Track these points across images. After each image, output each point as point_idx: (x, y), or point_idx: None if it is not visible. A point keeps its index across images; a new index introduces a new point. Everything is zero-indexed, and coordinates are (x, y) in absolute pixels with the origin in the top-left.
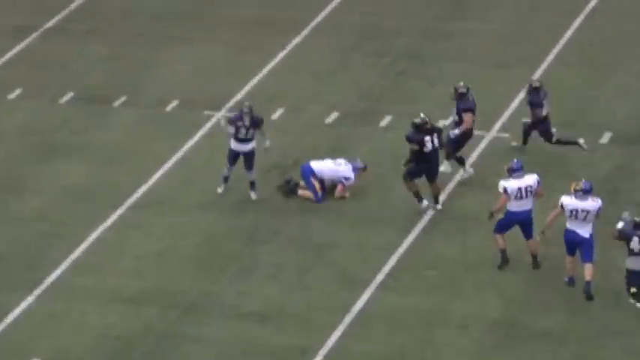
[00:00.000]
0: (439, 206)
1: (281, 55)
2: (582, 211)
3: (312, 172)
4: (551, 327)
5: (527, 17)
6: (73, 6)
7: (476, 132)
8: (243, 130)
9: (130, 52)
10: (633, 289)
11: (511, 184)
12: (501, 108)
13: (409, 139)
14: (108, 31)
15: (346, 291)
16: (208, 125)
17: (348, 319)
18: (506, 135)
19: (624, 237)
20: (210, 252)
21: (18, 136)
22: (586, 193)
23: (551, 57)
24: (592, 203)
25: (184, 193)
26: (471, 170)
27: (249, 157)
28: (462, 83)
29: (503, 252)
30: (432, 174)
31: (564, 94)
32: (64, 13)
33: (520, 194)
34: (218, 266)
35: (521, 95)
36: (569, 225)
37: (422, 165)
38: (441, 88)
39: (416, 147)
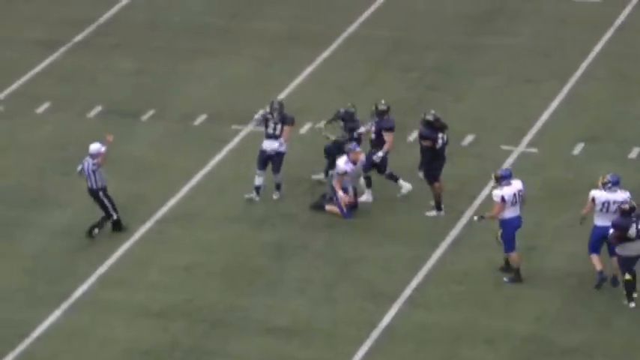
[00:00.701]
0: (440, 211)
1: (308, 69)
2: (614, 202)
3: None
4: (579, 343)
5: (556, 31)
6: (100, 20)
7: (504, 147)
8: (272, 125)
9: (158, 65)
10: (628, 276)
11: (506, 191)
12: (530, 123)
13: (423, 137)
14: (135, 44)
15: (373, 306)
16: (236, 139)
17: (374, 334)
18: (534, 150)
19: (621, 228)
20: (237, 266)
21: (46, 149)
22: (615, 185)
23: (579, 71)
24: (622, 195)
25: (212, 207)
26: (408, 185)
27: (277, 158)
28: (383, 101)
29: (518, 270)
30: (440, 172)
31: (593, 108)
32: (91, 27)
33: (515, 199)
34: (245, 280)
35: (551, 109)
36: (599, 221)
37: (436, 162)
38: (470, 103)
39: (429, 144)
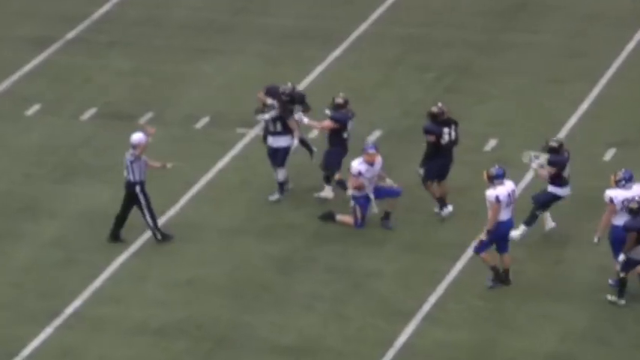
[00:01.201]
0: (443, 212)
1: (318, 68)
2: (632, 199)
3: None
4: None
5: (584, 28)
6: (95, 15)
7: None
8: (271, 122)
9: (157, 65)
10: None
11: (500, 191)
12: (557, 126)
13: (427, 131)
14: (133, 42)
15: (388, 323)
16: (240, 144)
17: (390, 353)
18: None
19: (634, 229)
20: (241, 280)
21: (36, 155)
22: (629, 181)
23: (610, 71)
24: (639, 189)
25: (214, 217)
26: (330, 193)
27: (282, 151)
28: (341, 94)
29: (496, 268)
30: (446, 171)
31: (624, 111)
32: (86, 22)
33: (509, 200)
34: (250, 296)
35: (579, 112)
36: (620, 221)
37: (438, 160)
38: (492, 106)
39: (432, 139)
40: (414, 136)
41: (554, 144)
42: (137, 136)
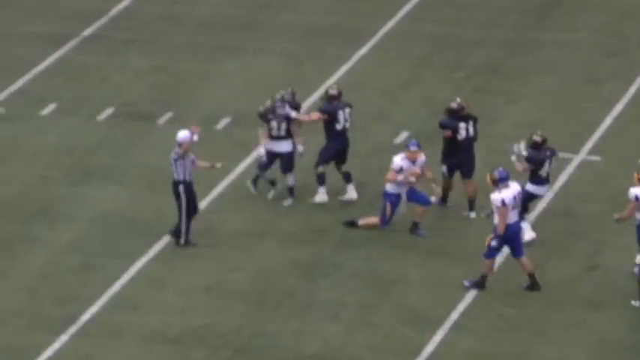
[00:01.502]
0: (473, 214)
1: (343, 67)
2: None
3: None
4: None
5: (619, 25)
6: (113, 12)
7: (563, 154)
8: (274, 124)
9: (176, 63)
10: None
11: (506, 194)
12: (591, 127)
13: (442, 125)
14: (152, 39)
15: (416, 332)
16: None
17: None
18: (597, 158)
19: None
20: (263, 287)
21: (51, 156)
22: None
23: None
24: None
25: (236, 220)
26: (324, 196)
27: (287, 157)
28: (335, 86)
29: (485, 278)
30: (467, 169)
31: None
32: (103, 19)
33: (515, 203)
34: (272, 303)
35: (615, 113)
36: None
37: (455, 156)
38: (524, 106)
39: (448, 134)
40: (441, 138)
41: (537, 138)
42: (182, 134)
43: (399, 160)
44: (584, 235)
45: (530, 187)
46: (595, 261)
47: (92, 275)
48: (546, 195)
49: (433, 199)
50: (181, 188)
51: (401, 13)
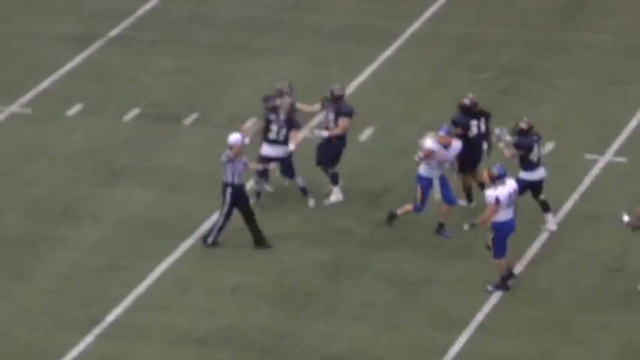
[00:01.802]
0: (463, 202)
1: (369, 68)
2: None
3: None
4: None
5: None
6: (139, 12)
7: (588, 156)
8: (275, 127)
9: (202, 64)
10: None
11: (501, 191)
12: (618, 129)
13: (454, 122)
14: (178, 40)
15: (441, 333)
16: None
17: None
18: (623, 159)
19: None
20: (289, 288)
21: (77, 157)
22: None
23: None
24: None
25: (260, 222)
26: (339, 195)
27: (286, 162)
28: (338, 85)
29: (505, 279)
30: (475, 161)
31: None
32: (129, 20)
33: (510, 200)
34: (298, 304)
35: None
36: None
37: (467, 152)
38: (550, 108)
39: (460, 131)
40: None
41: (523, 125)
42: (234, 137)
43: (430, 142)
44: (610, 237)
45: (523, 174)
46: (621, 263)
47: (117, 276)
48: (543, 176)
49: (460, 201)
50: (228, 191)
51: (427, 14)
